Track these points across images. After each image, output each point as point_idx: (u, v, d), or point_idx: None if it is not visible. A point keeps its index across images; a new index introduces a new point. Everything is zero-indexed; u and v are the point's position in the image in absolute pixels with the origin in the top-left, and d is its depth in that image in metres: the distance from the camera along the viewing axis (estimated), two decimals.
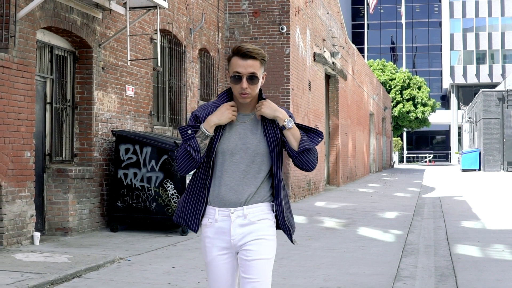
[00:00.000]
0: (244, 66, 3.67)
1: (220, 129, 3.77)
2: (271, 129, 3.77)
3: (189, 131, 3.77)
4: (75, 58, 11.76)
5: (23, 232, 9.85)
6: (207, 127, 3.74)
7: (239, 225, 3.75)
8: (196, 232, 3.97)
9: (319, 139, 3.80)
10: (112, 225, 11.82)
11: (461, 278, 8.08)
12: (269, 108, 3.72)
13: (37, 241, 10.03)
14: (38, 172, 10.65)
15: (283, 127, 3.72)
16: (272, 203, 3.84)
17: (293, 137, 3.74)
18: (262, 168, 3.78)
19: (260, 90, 3.82)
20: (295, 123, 3.77)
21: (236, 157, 3.75)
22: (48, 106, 11.21)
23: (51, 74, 11.26)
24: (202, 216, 3.84)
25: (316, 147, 3.83)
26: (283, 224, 3.84)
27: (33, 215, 10.09)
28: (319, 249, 10.34)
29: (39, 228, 10.69)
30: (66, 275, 7.65)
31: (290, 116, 3.78)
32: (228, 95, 3.84)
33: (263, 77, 3.80)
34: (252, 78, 3.68)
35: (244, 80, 3.67)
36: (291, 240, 3.91)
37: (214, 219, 3.78)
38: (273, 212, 3.83)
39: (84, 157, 11.73)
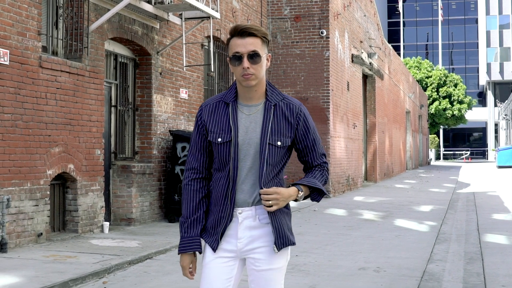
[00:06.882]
0: (244, 44, 3.30)
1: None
2: (276, 120, 3.40)
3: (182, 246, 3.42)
4: (136, 64, 12.95)
5: (94, 222, 11.06)
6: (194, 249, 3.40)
7: (247, 227, 3.37)
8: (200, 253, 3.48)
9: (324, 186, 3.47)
10: (169, 216, 13.00)
11: (487, 261, 9.05)
12: (283, 201, 3.33)
13: (106, 229, 11.24)
14: (105, 168, 11.85)
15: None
16: None
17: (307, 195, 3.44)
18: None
19: (268, 81, 3.47)
20: (302, 184, 3.40)
21: (242, 153, 3.36)
22: (113, 109, 12.43)
23: (116, 80, 12.48)
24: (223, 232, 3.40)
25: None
26: (275, 228, 3.38)
27: (102, 206, 11.30)
28: (359, 237, 11.37)
29: (106, 218, 11.89)
30: (140, 256, 8.82)
31: (301, 111, 3.43)
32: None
33: (267, 59, 3.41)
34: (253, 56, 3.29)
35: (245, 59, 3.29)
36: (276, 246, 3.37)
37: None
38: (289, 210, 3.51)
39: (144, 154, 12.92)
